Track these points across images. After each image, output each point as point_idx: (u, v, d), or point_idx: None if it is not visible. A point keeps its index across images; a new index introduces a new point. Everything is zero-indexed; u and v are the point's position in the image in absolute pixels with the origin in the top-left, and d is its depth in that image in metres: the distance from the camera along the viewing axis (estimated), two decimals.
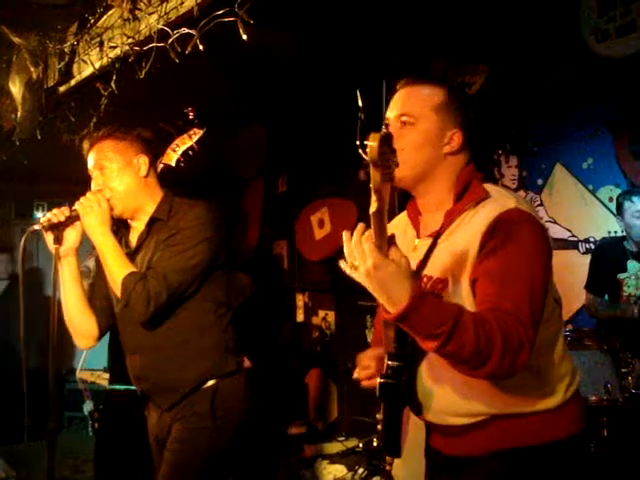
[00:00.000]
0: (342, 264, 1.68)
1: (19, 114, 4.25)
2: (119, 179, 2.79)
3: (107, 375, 4.96)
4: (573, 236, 4.46)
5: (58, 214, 2.74)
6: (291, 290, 6.72)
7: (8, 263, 6.75)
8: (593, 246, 4.39)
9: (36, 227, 2.72)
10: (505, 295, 1.75)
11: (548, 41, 4.38)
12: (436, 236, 1.96)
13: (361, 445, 4.99)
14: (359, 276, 1.64)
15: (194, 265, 2.70)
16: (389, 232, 2.16)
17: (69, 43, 3.92)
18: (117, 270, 2.69)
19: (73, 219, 2.76)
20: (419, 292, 1.64)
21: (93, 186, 2.81)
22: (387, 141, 1.53)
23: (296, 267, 6.70)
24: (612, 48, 4.15)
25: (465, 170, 2.02)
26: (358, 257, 1.62)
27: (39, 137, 4.30)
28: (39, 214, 7.66)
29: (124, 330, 2.88)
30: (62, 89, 4.16)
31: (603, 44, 4.18)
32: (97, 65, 3.63)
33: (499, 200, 1.90)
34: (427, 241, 1.99)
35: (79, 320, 2.87)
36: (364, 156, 1.53)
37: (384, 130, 1.56)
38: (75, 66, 3.97)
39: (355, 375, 2.08)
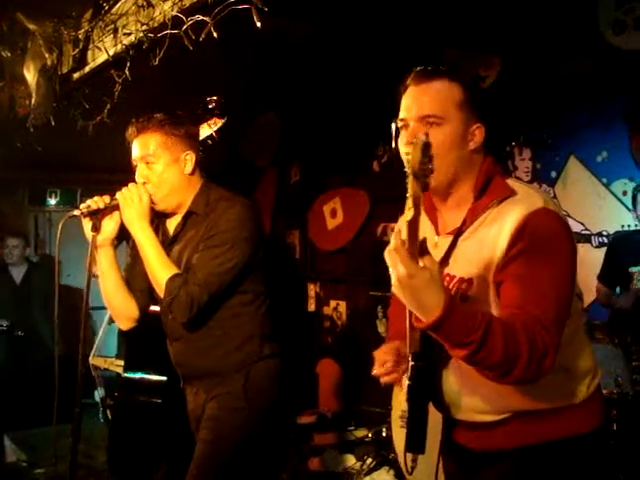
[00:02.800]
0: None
1: (33, 100, 4.27)
2: (165, 176, 2.76)
3: (120, 362, 4.98)
4: (586, 229, 4.43)
5: (98, 201, 2.73)
6: (303, 280, 6.73)
7: (23, 248, 6.76)
8: (606, 240, 4.36)
9: (75, 213, 2.71)
10: (531, 300, 1.73)
11: (564, 32, 4.35)
12: (457, 234, 1.93)
13: (370, 435, 5.01)
14: (393, 284, 1.61)
15: (233, 266, 2.71)
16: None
17: (83, 30, 3.93)
18: (159, 270, 2.72)
19: (112, 208, 2.75)
20: (451, 301, 1.61)
21: (137, 177, 2.78)
22: (427, 150, 1.51)
23: (308, 257, 6.71)
24: (629, 40, 4.12)
25: (485, 164, 1.97)
26: (391, 264, 1.59)
27: (53, 124, 4.32)
28: (52, 201, 7.71)
29: (164, 318, 2.91)
30: (76, 76, 4.17)
31: (620, 36, 4.16)
32: (111, 52, 3.63)
33: (526, 199, 1.85)
34: (448, 239, 1.95)
35: (118, 303, 2.91)
36: (406, 167, 1.51)
37: (423, 138, 1.53)
38: (89, 53, 3.98)
39: (374, 372, 2.05)
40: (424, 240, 1.61)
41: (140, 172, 2.78)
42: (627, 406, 3.49)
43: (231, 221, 2.72)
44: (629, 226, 4.28)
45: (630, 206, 4.20)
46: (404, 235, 1.57)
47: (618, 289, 4.22)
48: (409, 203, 1.53)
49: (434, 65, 1.98)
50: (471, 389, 1.93)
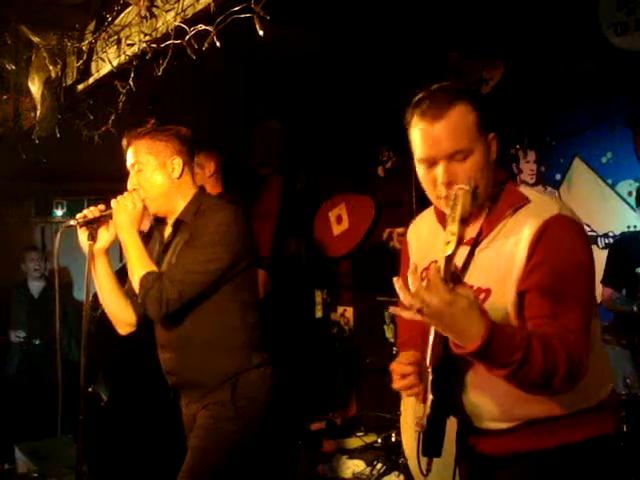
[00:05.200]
0: (393, 310, 1.68)
1: (38, 113, 4.28)
2: (152, 181, 2.83)
3: None
4: (592, 231, 4.43)
5: (94, 211, 2.81)
6: (310, 286, 6.73)
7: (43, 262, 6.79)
8: (612, 241, 4.36)
9: (71, 222, 2.79)
10: (559, 311, 1.76)
11: (566, 34, 4.36)
12: (474, 244, 1.93)
13: (380, 440, 5.00)
14: (425, 316, 1.61)
15: (212, 270, 2.74)
16: (416, 231, 2.17)
17: (87, 41, 3.94)
18: (137, 268, 2.76)
19: (108, 217, 2.82)
20: (492, 327, 1.61)
21: (129, 184, 2.87)
22: (475, 195, 1.60)
23: (314, 263, 6.71)
24: (631, 41, 4.12)
25: (497, 172, 1.98)
26: (427, 296, 1.58)
27: (58, 135, 4.34)
28: (59, 212, 7.71)
29: (155, 325, 2.96)
30: (80, 87, 4.19)
31: (622, 37, 4.16)
32: (115, 63, 3.65)
33: (541, 206, 1.87)
34: (464, 249, 1.93)
35: (116, 310, 2.97)
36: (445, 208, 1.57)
37: (472, 185, 1.61)
38: (93, 64, 3.99)
39: (394, 386, 2.02)
40: (456, 270, 1.65)
41: (131, 179, 2.87)
42: (636, 407, 3.48)
43: (215, 225, 2.76)
44: (635, 227, 4.27)
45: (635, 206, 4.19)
46: (440, 267, 1.60)
47: (624, 291, 4.20)
48: (448, 238, 1.58)
49: (437, 85, 1.95)
50: (489, 399, 1.94)
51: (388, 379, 2.05)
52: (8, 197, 7.05)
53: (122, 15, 3.60)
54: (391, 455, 4.61)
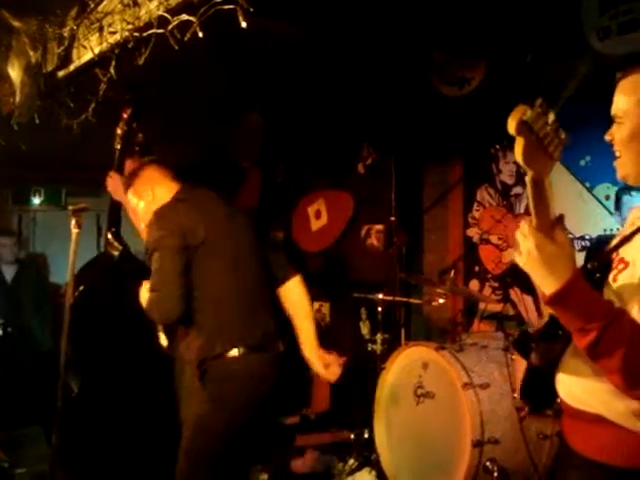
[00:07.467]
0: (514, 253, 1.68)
1: (17, 98, 4.25)
2: None
3: None
4: (569, 233, 4.44)
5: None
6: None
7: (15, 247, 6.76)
8: (589, 244, 4.38)
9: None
10: None
11: (549, 37, 4.37)
12: None
13: (352, 436, 5.00)
14: (521, 260, 1.64)
15: (164, 268, 2.94)
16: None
17: (68, 28, 3.91)
18: None
19: None
20: (575, 278, 1.59)
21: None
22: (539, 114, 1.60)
23: (292, 258, 6.69)
24: (613, 46, 4.14)
25: None
26: (520, 238, 1.63)
27: (37, 122, 4.30)
28: (36, 200, 7.64)
29: None
30: (61, 74, 4.16)
31: (604, 42, 4.18)
32: (96, 50, 3.63)
33: None
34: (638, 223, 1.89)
35: None
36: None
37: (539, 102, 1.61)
38: (74, 51, 3.97)
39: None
40: (561, 216, 1.66)
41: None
42: None
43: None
44: (612, 230, 4.30)
45: (612, 210, 4.22)
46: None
47: None
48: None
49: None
50: (575, 365, 1.79)
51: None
52: None
53: (105, 2, 3.58)
54: (363, 451, 4.61)
